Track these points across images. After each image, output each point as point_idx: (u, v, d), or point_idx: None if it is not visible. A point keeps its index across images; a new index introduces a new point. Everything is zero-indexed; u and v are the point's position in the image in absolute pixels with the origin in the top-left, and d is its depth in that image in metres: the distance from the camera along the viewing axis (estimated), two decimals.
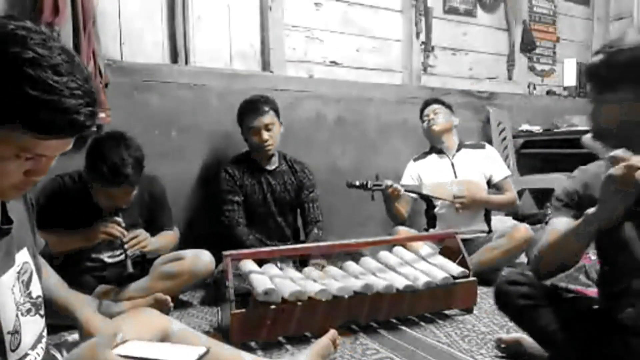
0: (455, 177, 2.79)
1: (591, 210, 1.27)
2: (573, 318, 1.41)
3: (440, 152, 2.88)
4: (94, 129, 2.33)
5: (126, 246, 2.05)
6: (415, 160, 2.95)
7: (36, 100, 0.77)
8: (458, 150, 2.87)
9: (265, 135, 2.52)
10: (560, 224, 1.39)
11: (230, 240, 2.46)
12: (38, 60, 0.77)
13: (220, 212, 2.54)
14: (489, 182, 2.83)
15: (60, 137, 0.83)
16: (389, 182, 2.58)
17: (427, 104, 2.94)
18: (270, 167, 2.66)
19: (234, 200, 2.53)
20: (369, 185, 2.56)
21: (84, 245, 2.04)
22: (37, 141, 0.81)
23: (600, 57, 1.32)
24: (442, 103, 2.92)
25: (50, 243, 1.82)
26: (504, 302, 1.56)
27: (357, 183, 2.57)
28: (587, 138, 1.37)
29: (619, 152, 1.21)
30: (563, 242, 1.35)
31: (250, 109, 2.54)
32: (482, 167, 2.82)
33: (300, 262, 2.38)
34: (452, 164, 2.83)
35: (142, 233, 2.11)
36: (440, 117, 2.84)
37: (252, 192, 2.59)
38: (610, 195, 1.21)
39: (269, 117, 2.53)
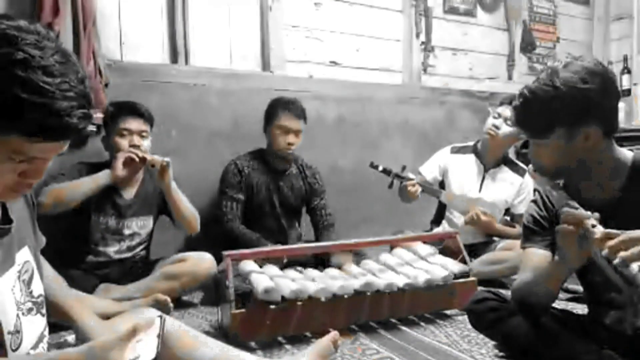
0: (480, 191, 2.69)
1: (557, 258, 1.31)
2: (547, 323, 1.43)
3: (480, 158, 2.73)
4: (94, 129, 2.35)
5: (148, 156, 2.12)
6: (452, 151, 2.79)
7: (27, 102, 0.75)
8: (498, 164, 2.72)
9: (292, 139, 2.54)
10: (535, 258, 1.42)
11: (225, 235, 2.48)
12: (29, 62, 0.76)
13: (219, 204, 2.55)
14: (507, 209, 2.74)
15: (53, 140, 0.82)
16: (412, 180, 2.52)
17: (507, 101, 2.60)
18: (281, 169, 2.66)
19: (235, 198, 2.53)
20: (392, 174, 2.55)
21: (109, 180, 2.08)
22: (29, 144, 0.79)
23: (523, 102, 1.32)
24: None
25: (71, 188, 1.99)
26: (475, 320, 1.60)
27: (381, 168, 2.56)
28: (530, 170, 1.40)
29: (568, 209, 1.22)
30: (538, 284, 1.38)
31: (289, 109, 2.53)
32: (509, 194, 2.70)
33: (321, 262, 2.38)
34: (483, 178, 2.70)
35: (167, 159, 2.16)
36: (506, 131, 2.57)
37: (258, 191, 2.58)
38: (568, 250, 1.23)
39: (301, 124, 2.57)
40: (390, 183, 2.56)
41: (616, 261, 1.06)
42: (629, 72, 4.16)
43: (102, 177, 2.08)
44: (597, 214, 1.17)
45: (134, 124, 2.17)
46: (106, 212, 2.18)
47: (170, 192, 2.18)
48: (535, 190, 1.51)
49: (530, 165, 1.41)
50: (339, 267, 2.16)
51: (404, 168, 2.57)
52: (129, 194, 2.24)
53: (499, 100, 2.74)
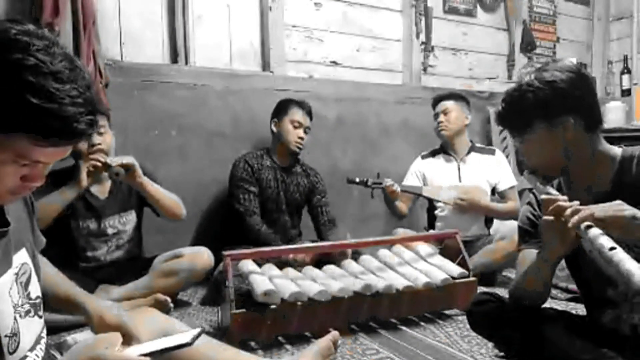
0: (460, 181, 2.76)
1: (541, 251, 1.34)
2: (546, 324, 1.44)
3: (449, 154, 2.84)
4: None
5: (110, 160, 2.04)
6: (423, 157, 2.92)
7: (36, 108, 0.76)
8: (468, 153, 2.82)
9: (302, 134, 2.64)
10: (529, 258, 1.44)
11: (240, 230, 2.50)
12: (39, 67, 0.77)
13: (234, 199, 2.55)
14: (493, 189, 2.80)
15: (59, 145, 0.83)
16: (389, 182, 2.59)
17: (437, 100, 2.85)
18: (287, 165, 2.71)
19: (250, 190, 2.56)
20: (368, 183, 2.59)
21: (76, 193, 2.03)
22: (35, 148, 0.80)
23: (504, 104, 1.38)
24: (455, 98, 2.82)
25: (42, 210, 1.83)
26: (474, 323, 1.60)
27: (357, 180, 2.60)
28: (525, 174, 1.42)
29: (546, 196, 1.26)
30: (528, 279, 1.41)
31: (301, 105, 2.66)
32: (489, 174, 2.78)
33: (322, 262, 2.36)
34: (459, 168, 2.80)
35: (130, 159, 2.09)
36: (451, 117, 2.76)
37: (266, 187, 2.62)
38: (551, 238, 1.27)
39: (309, 122, 2.68)
40: (371, 193, 2.63)
41: (581, 228, 1.11)
42: (629, 72, 4.16)
43: (68, 192, 2.02)
44: (576, 202, 1.20)
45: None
46: (84, 216, 2.13)
47: (144, 189, 2.12)
48: (529, 190, 1.52)
49: (526, 171, 1.44)
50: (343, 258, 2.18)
51: (378, 175, 2.63)
52: (102, 192, 2.20)
53: (432, 102, 2.90)
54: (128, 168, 2.06)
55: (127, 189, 2.23)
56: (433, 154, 2.91)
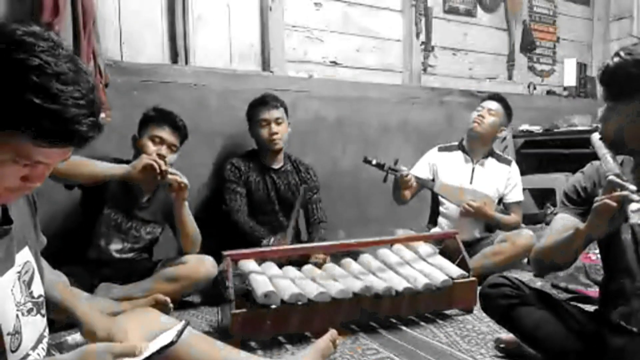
0: (471, 183, 2.75)
1: (581, 225, 1.30)
2: (558, 314, 1.44)
3: (467, 153, 2.82)
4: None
5: (169, 169, 2.06)
6: (439, 150, 2.89)
7: (39, 108, 0.76)
8: (485, 157, 2.82)
9: (275, 128, 2.59)
10: (562, 222, 1.42)
11: (231, 231, 2.49)
12: (44, 68, 0.77)
13: (222, 200, 2.56)
14: (500, 199, 2.81)
15: (60, 146, 0.83)
16: (405, 172, 2.57)
17: (490, 97, 2.84)
18: (276, 166, 2.69)
19: (237, 191, 2.57)
20: (385, 167, 2.57)
21: (123, 173, 2.03)
22: (36, 148, 0.80)
23: (617, 62, 1.26)
24: (506, 108, 2.79)
25: (90, 168, 1.98)
26: (487, 305, 1.59)
27: (375, 162, 2.58)
28: (595, 137, 1.36)
29: (615, 179, 1.21)
30: (558, 247, 1.38)
31: (262, 102, 2.63)
32: (500, 183, 2.79)
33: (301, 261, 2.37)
34: (473, 170, 2.78)
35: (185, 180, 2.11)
36: (491, 120, 2.73)
37: (256, 189, 2.62)
38: (601, 218, 1.23)
39: (279, 112, 2.62)
40: (385, 177, 2.60)
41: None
42: None
43: (118, 169, 2.04)
44: None
45: (168, 135, 2.19)
46: (119, 207, 2.19)
47: (181, 212, 2.15)
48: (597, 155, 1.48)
49: (596, 133, 1.37)
50: (319, 266, 2.16)
51: (396, 161, 2.60)
52: (144, 197, 2.25)
53: (484, 96, 2.88)
54: (180, 186, 2.07)
55: (163, 206, 2.27)
56: (450, 149, 2.87)
